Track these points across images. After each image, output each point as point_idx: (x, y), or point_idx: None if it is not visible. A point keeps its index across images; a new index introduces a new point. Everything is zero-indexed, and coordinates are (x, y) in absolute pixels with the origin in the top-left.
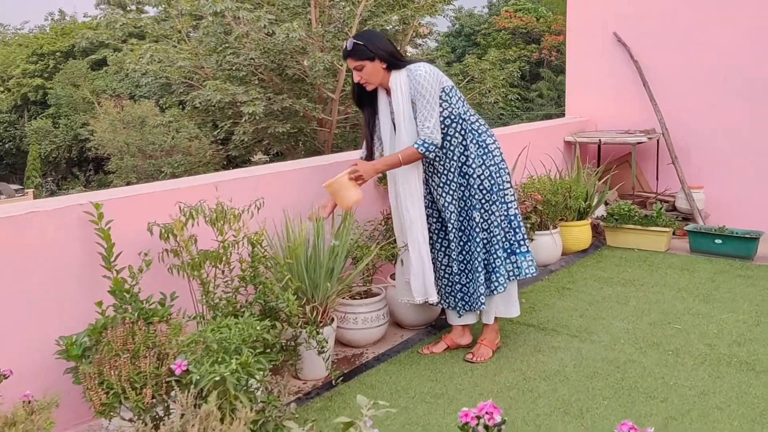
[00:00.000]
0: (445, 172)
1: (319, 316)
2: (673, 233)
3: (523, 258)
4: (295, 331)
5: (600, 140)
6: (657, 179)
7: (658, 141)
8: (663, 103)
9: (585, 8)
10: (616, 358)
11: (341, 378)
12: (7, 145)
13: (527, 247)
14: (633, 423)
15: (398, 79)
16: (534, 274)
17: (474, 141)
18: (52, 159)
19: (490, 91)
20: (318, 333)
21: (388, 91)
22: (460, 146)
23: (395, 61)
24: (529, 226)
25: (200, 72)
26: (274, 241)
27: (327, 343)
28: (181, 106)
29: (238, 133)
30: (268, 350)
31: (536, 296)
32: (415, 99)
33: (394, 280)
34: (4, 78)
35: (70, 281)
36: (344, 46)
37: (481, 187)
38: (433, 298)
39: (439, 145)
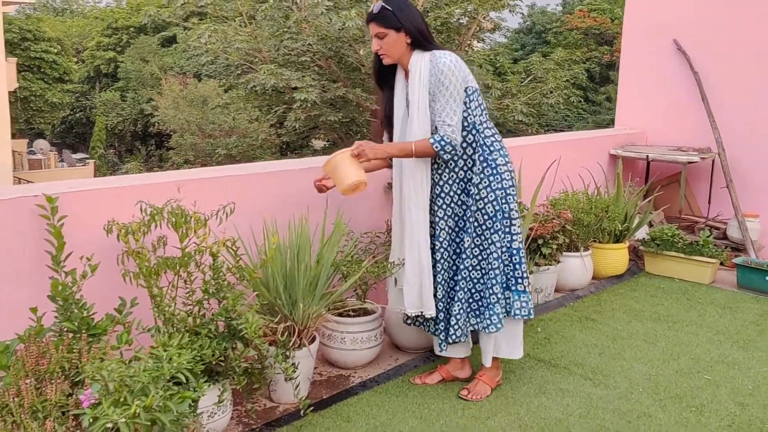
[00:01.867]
0: (447, 182)
1: (295, 337)
2: (721, 264)
3: (517, 297)
4: (260, 354)
5: (647, 156)
6: (709, 203)
7: (713, 161)
8: (722, 120)
9: (644, 11)
10: (629, 410)
11: (311, 408)
12: (77, 115)
13: (525, 287)
14: None
15: (419, 62)
16: (525, 318)
17: (482, 157)
18: (117, 131)
19: (551, 92)
20: (287, 357)
21: (406, 73)
22: (468, 160)
23: (422, 40)
24: (555, 247)
25: (258, 55)
26: (249, 251)
27: (296, 368)
28: (242, 89)
29: (290, 119)
30: (215, 375)
31: (555, 326)
32: (436, 90)
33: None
34: (79, 49)
35: (13, 280)
36: (370, 9)
37: (483, 212)
38: (431, 311)
39: (457, 148)
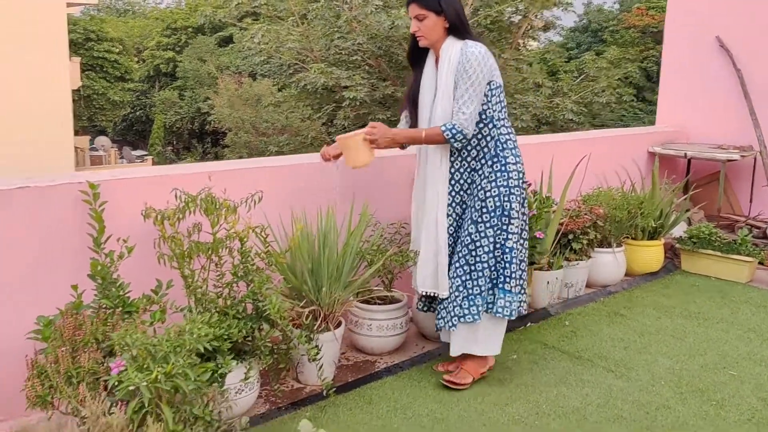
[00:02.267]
0: (458, 170)
1: (320, 321)
2: (760, 263)
3: (502, 295)
4: (285, 335)
5: (686, 154)
6: (750, 202)
7: (755, 159)
8: (764, 118)
9: (686, 8)
10: (649, 401)
11: (333, 390)
12: (137, 113)
13: (513, 287)
14: None
15: (451, 49)
16: (507, 317)
17: (493, 152)
18: (175, 129)
19: (603, 91)
20: (310, 340)
21: (437, 58)
22: (480, 152)
23: (459, 26)
24: (586, 242)
25: (310, 54)
26: (277, 238)
27: (319, 351)
28: (294, 88)
29: (339, 118)
30: (243, 354)
31: (582, 320)
32: (459, 78)
33: None
34: (140, 49)
35: (58, 261)
36: None
37: (483, 205)
38: (444, 292)
39: (468, 138)
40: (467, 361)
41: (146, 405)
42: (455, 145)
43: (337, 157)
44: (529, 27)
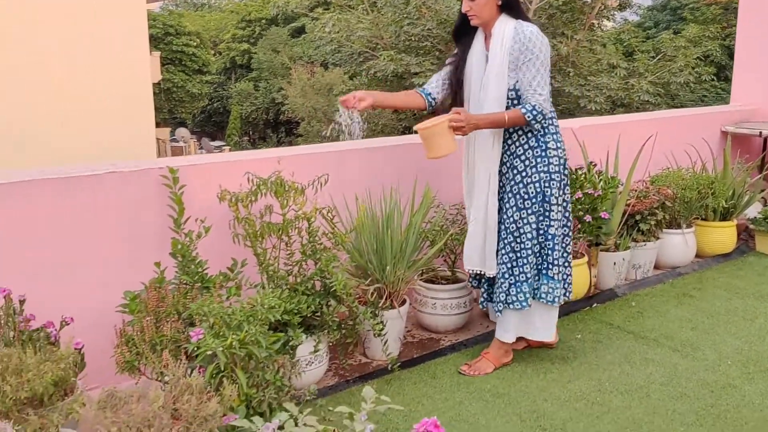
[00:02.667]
0: (511, 153)
1: (384, 298)
2: None
3: (545, 281)
4: (351, 311)
5: (761, 132)
6: None
7: None
8: None
9: None
10: (714, 381)
11: (398, 365)
12: (215, 105)
13: (556, 274)
14: None
15: (504, 28)
16: (550, 304)
17: (534, 138)
18: (251, 120)
19: (681, 70)
20: (375, 315)
21: (485, 37)
22: (522, 136)
23: (513, 4)
24: (653, 223)
25: (380, 42)
26: (342, 219)
27: (384, 326)
28: (365, 76)
29: None
30: (312, 329)
31: (650, 301)
32: (525, 59)
33: None
34: (216, 42)
35: (141, 240)
36: None
37: (524, 191)
38: (492, 271)
39: (547, 117)
40: (489, 351)
41: (222, 369)
42: (535, 126)
43: (371, 103)
44: (602, 6)
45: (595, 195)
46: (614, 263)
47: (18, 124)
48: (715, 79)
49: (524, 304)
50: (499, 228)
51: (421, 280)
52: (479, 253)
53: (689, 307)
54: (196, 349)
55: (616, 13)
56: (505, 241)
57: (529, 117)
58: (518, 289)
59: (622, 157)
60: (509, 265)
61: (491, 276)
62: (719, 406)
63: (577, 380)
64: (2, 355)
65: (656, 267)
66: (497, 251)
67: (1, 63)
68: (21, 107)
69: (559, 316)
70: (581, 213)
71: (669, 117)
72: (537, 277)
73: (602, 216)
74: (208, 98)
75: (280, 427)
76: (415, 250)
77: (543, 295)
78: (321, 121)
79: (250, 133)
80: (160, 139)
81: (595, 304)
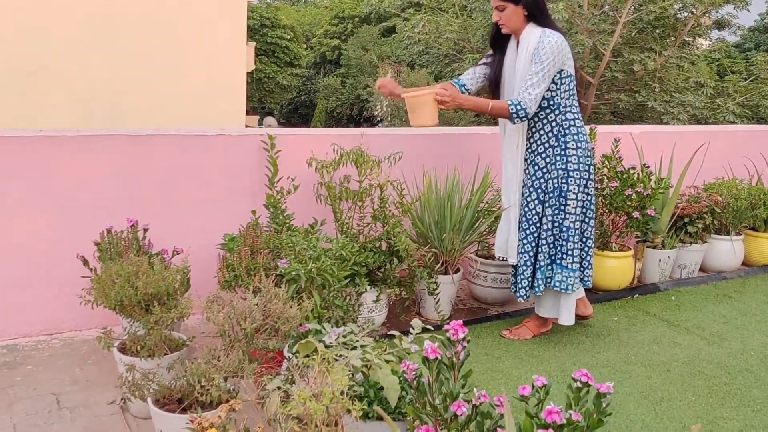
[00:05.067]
0: (532, 151)
1: (440, 264)
2: None
3: (559, 270)
4: (410, 270)
5: None
6: None
7: None
8: None
9: None
10: (733, 365)
11: (447, 322)
12: (302, 97)
13: (570, 264)
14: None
15: (530, 36)
16: (564, 291)
17: (555, 137)
18: (335, 114)
19: None
20: (431, 275)
21: (517, 44)
22: (544, 135)
23: (537, 14)
24: (701, 226)
25: (467, 45)
26: (410, 192)
27: (437, 286)
28: (450, 77)
29: None
30: (377, 282)
31: (690, 297)
32: (533, 59)
33: None
34: (308, 36)
35: (240, 193)
36: None
37: (545, 187)
38: (513, 260)
39: (529, 116)
40: (530, 320)
41: (303, 288)
42: (515, 121)
43: (390, 93)
44: (696, 24)
45: (645, 194)
46: (659, 260)
47: (117, 102)
48: None
49: (538, 290)
50: (523, 220)
51: (476, 255)
52: (505, 242)
53: (726, 305)
54: (283, 272)
55: (714, 32)
56: (527, 231)
57: (512, 110)
58: (535, 277)
59: (677, 164)
60: (530, 254)
61: (513, 264)
62: (732, 385)
63: (606, 352)
64: (135, 261)
65: (702, 270)
66: (521, 240)
67: (104, 47)
68: (119, 85)
69: (600, 301)
70: (630, 209)
71: (727, 131)
72: (550, 267)
73: (649, 213)
74: (296, 90)
75: (344, 336)
76: (471, 225)
77: (557, 284)
78: (404, 121)
79: (334, 126)
80: (248, 126)
81: (636, 295)
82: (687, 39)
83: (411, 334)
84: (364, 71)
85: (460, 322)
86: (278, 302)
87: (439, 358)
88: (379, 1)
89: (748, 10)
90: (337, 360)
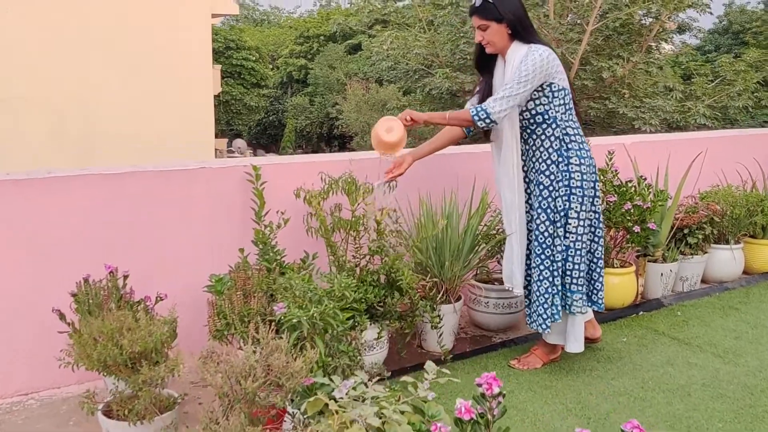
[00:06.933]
0: (535, 170)
1: (441, 293)
2: None
3: (570, 294)
4: (412, 303)
5: None
6: None
7: None
8: None
9: None
10: (755, 385)
11: (451, 356)
12: (271, 118)
13: (572, 285)
14: None
15: (516, 53)
16: (572, 314)
17: (556, 153)
18: (305, 133)
19: (740, 95)
20: (433, 309)
21: (505, 63)
22: (545, 152)
23: (521, 31)
24: (701, 237)
25: (436, 60)
26: (406, 219)
27: (441, 319)
28: (419, 93)
29: None
30: (376, 318)
31: (696, 311)
32: (514, 71)
33: None
34: (274, 57)
35: (226, 229)
36: (472, 2)
37: (554, 206)
38: (518, 290)
39: (496, 122)
40: (539, 348)
41: (305, 336)
42: (480, 125)
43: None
44: (661, 29)
45: (644, 207)
46: (661, 274)
47: (87, 130)
48: None
49: (557, 317)
50: (534, 245)
51: (475, 280)
52: (510, 271)
53: (734, 318)
54: (281, 319)
55: (675, 36)
56: (542, 257)
57: (474, 117)
58: (553, 303)
59: (672, 174)
60: (550, 280)
61: (519, 294)
62: (758, 407)
63: (620, 378)
64: (118, 316)
65: (703, 281)
66: (536, 267)
67: (75, 73)
68: (89, 113)
69: (606, 321)
70: (630, 224)
71: (719, 137)
72: (563, 291)
73: (650, 227)
74: (264, 111)
75: (354, 388)
76: (471, 250)
77: (568, 307)
78: None
79: (304, 146)
80: (218, 149)
81: (641, 312)
82: (651, 44)
83: (426, 379)
84: (332, 89)
85: (493, 374)
86: (280, 355)
87: (474, 418)
88: (345, 19)
89: (711, 13)
90: (354, 420)
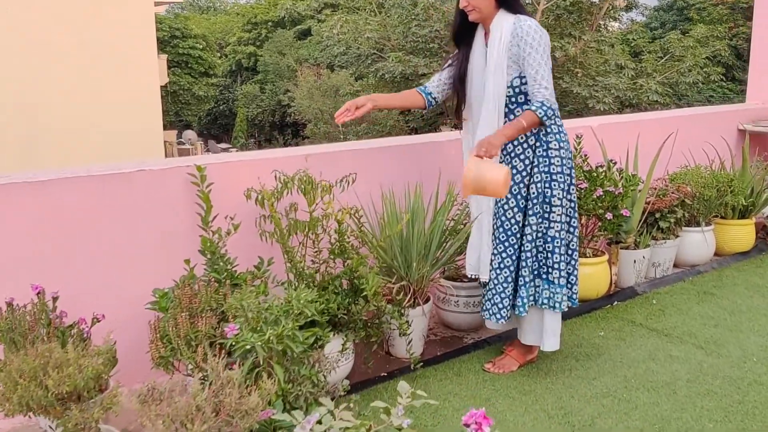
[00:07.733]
0: (508, 153)
1: (409, 296)
2: None
3: (546, 286)
4: (378, 310)
5: None
6: None
7: None
8: None
9: None
10: (740, 377)
11: (420, 364)
12: (221, 107)
13: (557, 278)
14: None
15: (503, 23)
16: (552, 310)
17: (536, 135)
18: (257, 122)
19: (689, 70)
20: (401, 314)
21: (485, 33)
22: (524, 134)
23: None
24: (673, 221)
25: (388, 44)
26: (369, 217)
27: (410, 325)
28: (372, 77)
29: None
30: (339, 327)
31: (671, 299)
32: (524, 55)
33: None
34: (222, 45)
35: (170, 237)
36: None
37: (526, 193)
38: (485, 276)
39: (557, 111)
40: (514, 349)
41: (261, 363)
42: (547, 122)
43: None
44: (610, 7)
45: (616, 193)
46: (634, 261)
47: (28, 126)
48: (723, 79)
49: (522, 309)
50: (500, 231)
51: (443, 277)
52: (477, 259)
53: (711, 304)
54: (233, 344)
55: (622, 13)
56: (506, 244)
57: (540, 114)
58: (519, 296)
59: (641, 155)
60: (511, 269)
61: (485, 281)
62: (747, 403)
63: (602, 377)
64: (43, 351)
65: (675, 265)
66: (498, 254)
67: (13, 67)
68: (30, 109)
69: (581, 314)
70: (601, 211)
71: (687, 115)
72: (534, 282)
73: (623, 213)
74: (214, 101)
75: (318, 422)
76: (439, 247)
77: (544, 301)
78: (328, 123)
79: (256, 135)
80: (167, 141)
81: (615, 302)
82: (601, 23)
83: (400, 404)
84: (283, 76)
85: (482, 411)
86: (233, 390)
87: None
88: (293, 4)
89: None
90: None
